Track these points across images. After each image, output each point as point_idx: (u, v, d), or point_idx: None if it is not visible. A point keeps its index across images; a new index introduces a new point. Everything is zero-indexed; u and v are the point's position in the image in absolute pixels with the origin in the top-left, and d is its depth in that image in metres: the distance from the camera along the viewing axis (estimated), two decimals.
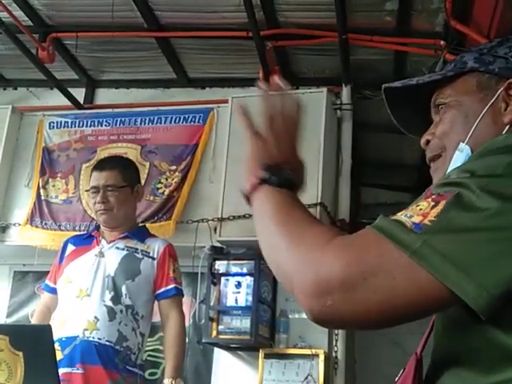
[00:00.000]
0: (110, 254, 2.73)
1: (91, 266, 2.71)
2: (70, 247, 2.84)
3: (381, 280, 0.74)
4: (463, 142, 0.97)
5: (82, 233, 3.02)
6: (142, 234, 2.85)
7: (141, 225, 3.18)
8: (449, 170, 0.97)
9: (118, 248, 2.75)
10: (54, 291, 2.82)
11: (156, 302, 2.77)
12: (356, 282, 0.74)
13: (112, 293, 2.65)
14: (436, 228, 0.74)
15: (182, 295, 2.81)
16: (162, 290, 2.72)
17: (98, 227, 2.86)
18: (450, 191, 0.77)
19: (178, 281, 2.77)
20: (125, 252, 2.73)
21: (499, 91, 0.97)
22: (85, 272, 2.70)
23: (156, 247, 2.78)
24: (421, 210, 0.78)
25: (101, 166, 2.86)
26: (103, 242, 2.78)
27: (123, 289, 2.66)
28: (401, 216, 0.79)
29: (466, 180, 0.77)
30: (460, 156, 0.97)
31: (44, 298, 2.90)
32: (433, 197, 0.78)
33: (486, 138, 0.94)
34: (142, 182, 4.41)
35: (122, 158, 3.35)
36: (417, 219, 0.76)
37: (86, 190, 2.90)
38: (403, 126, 1.15)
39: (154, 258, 2.74)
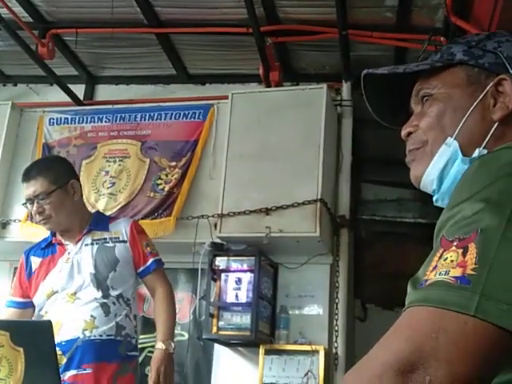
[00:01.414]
0: (83, 254, 2.70)
1: (70, 271, 2.67)
2: (35, 260, 2.77)
3: (450, 354, 0.67)
4: (451, 136, 0.95)
5: (37, 242, 2.92)
6: (102, 222, 2.81)
7: (93, 211, 3.13)
8: (433, 164, 0.97)
9: (86, 245, 2.71)
10: (23, 305, 2.75)
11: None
12: (423, 369, 0.67)
13: (100, 289, 2.64)
14: (484, 275, 0.68)
15: (163, 264, 2.80)
16: (143, 267, 2.72)
17: (53, 233, 2.79)
18: (471, 230, 0.71)
19: (154, 253, 2.76)
20: (95, 246, 2.70)
21: (488, 87, 0.95)
22: (67, 278, 2.66)
23: (122, 229, 2.75)
24: (453, 261, 0.71)
25: (26, 176, 2.70)
26: (69, 245, 2.73)
27: (108, 282, 2.65)
28: (435, 276, 0.71)
29: (481, 212, 0.72)
30: (447, 151, 0.95)
31: (8, 313, 2.77)
32: (455, 244, 0.72)
33: (474, 134, 0.94)
34: (142, 177, 4.45)
35: (46, 159, 3.04)
36: (457, 272, 0.70)
37: (23, 204, 2.81)
38: (378, 114, 1.12)
39: (125, 241, 2.72)
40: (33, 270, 2.75)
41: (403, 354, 0.68)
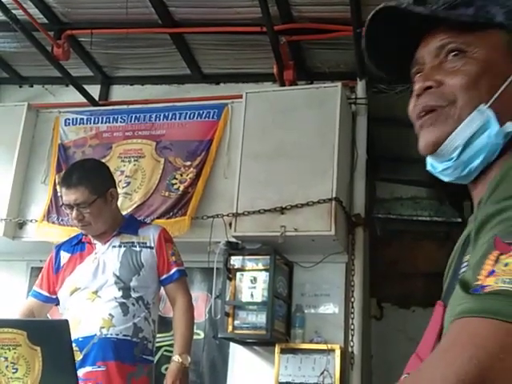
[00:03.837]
0: (109, 255, 2.75)
1: (95, 270, 2.72)
2: (64, 255, 2.83)
3: None
4: (485, 103, 0.87)
5: (68, 238, 2.96)
6: (133, 226, 2.86)
7: (126, 214, 3.18)
8: (461, 129, 0.88)
9: (114, 246, 2.76)
10: (45, 299, 2.81)
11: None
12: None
13: (121, 290, 2.68)
14: None
15: (186, 275, 2.84)
16: (166, 275, 2.76)
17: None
18: None
19: (179, 262, 2.80)
20: (123, 249, 2.75)
21: None
22: (90, 277, 2.72)
23: (151, 236, 2.79)
24: None
25: (67, 182, 2.74)
26: (98, 245, 2.79)
27: (131, 284, 2.69)
28: (496, 284, 0.64)
29: None
30: (478, 118, 0.86)
31: (30, 302, 2.84)
32: None
33: (508, 106, 0.87)
34: (157, 177, 4.46)
35: (86, 165, 2.92)
36: None
37: (60, 206, 2.84)
38: (372, 57, 1.04)
39: (151, 248, 2.77)
40: (61, 265, 2.81)
41: (467, 376, 0.61)
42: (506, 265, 0.65)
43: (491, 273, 0.65)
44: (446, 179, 0.94)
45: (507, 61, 0.89)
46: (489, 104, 0.87)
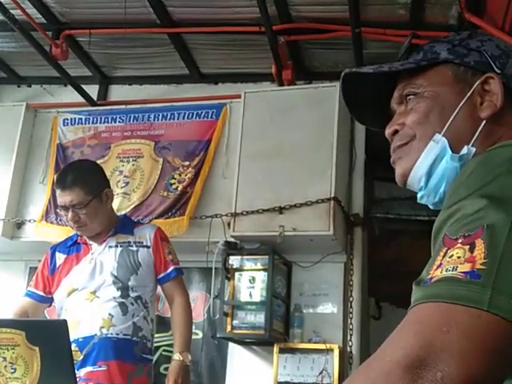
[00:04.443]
0: (106, 255, 2.75)
1: (92, 271, 2.73)
2: (59, 256, 2.83)
3: (463, 348, 0.64)
4: (439, 133, 0.96)
5: (63, 239, 2.96)
6: (128, 226, 2.87)
7: (120, 215, 3.18)
8: (421, 160, 0.97)
9: (111, 247, 2.77)
10: (40, 299, 2.81)
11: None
12: (433, 364, 0.64)
13: (120, 289, 2.69)
14: (494, 269, 0.66)
15: (182, 273, 2.86)
16: (163, 274, 2.77)
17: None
18: (476, 227, 0.70)
19: (175, 261, 2.81)
20: (119, 248, 2.76)
21: (476, 84, 0.96)
22: (88, 277, 2.72)
23: (147, 235, 2.80)
24: (460, 257, 0.69)
25: (61, 184, 2.73)
26: (94, 245, 2.79)
27: (129, 284, 2.70)
28: (441, 273, 0.69)
29: (486, 209, 0.71)
30: (435, 147, 0.95)
31: (24, 302, 2.83)
32: (460, 241, 0.70)
33: (462, 132, 0.95)
34: (156, 177, 4.46)
35: (81, 167, 2.92)
36: (466, 268, 0.68)
37: (56, 207, 2.83)
38: (356, 115, 1.14)
39: (148, 247, 2.77)
40: (57, 266, 2.81)
41: (412, 350, 0.65)
42: (451, 256, 0.70)
43: (439, 266, 0.71)
44: (431, 207, 1.03)
45: (456, 91, 0.97)
46: (443, 133, 0.95)
